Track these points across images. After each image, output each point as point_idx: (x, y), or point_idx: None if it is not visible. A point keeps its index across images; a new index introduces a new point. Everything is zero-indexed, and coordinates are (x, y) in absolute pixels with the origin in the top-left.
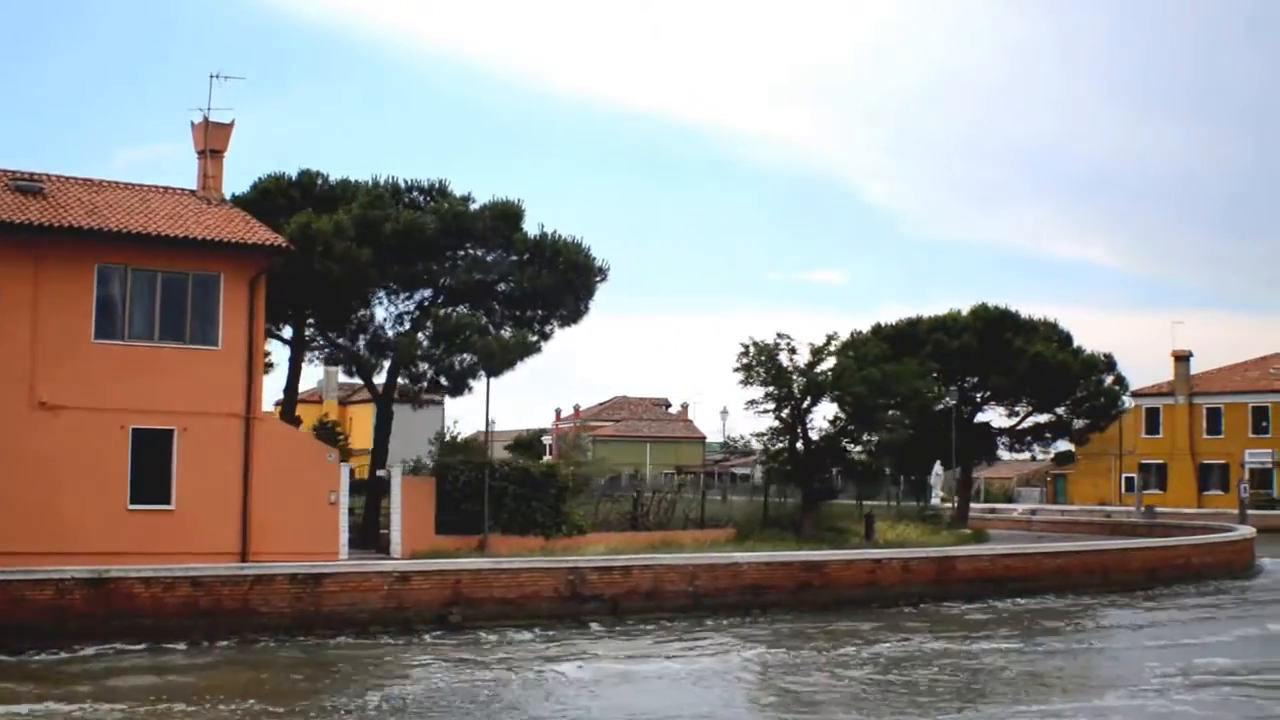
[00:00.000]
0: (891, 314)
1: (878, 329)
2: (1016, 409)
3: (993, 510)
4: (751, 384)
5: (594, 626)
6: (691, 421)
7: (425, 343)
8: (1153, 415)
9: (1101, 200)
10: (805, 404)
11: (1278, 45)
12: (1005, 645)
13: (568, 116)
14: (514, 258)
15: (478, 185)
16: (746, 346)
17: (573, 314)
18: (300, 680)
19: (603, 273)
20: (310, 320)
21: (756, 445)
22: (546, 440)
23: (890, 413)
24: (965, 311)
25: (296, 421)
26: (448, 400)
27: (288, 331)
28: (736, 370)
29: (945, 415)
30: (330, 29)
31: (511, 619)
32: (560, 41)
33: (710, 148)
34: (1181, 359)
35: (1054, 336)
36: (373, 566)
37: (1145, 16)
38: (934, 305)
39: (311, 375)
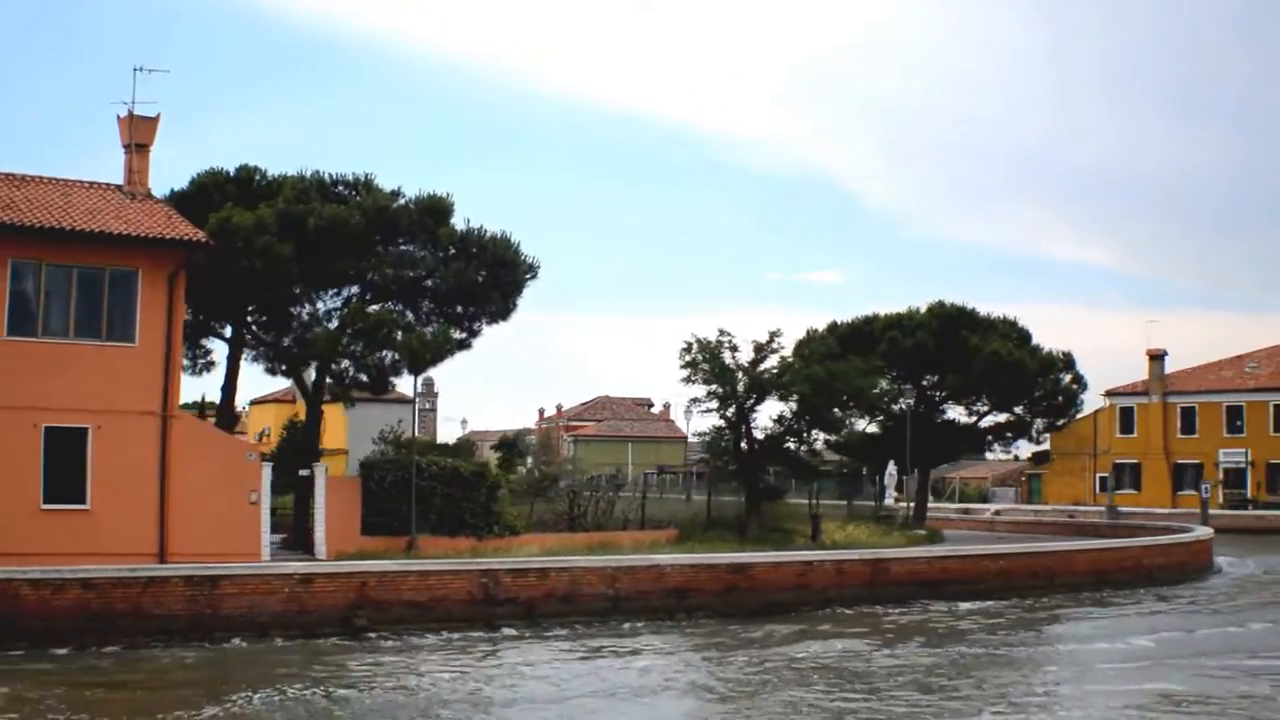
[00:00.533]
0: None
1: (834, 327)
2: (976, 408)
3: (967, 510)
4: (694, 382)
5: (505, 631)
6: (673, 421)
7: (346, 340)
8: (1127, 414)
9: (1100, 201)
10: (749, 402)
11: (1267, 45)
12: (913, 652)
13: (563, 118)
14: (441, 253)
15: (472, 188)
16: (689, 344)
17: (501, 311)
18: (146, 689)
19: (532, 269)
20: (250, 318)
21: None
22: (530, 440)
23: (839, 411)
24: (923, 309)
25: (234, 419)
26: (431, 399)
27: (229, 329)
28: (682, 368)
29: (908, 415)
30: (326, 31)
31: (421, 622)
32: (557, 43)
33: (708, 150)
34: (1156, 358)
35: (1012, 334)
36: (276, 569)
37: (1136, 18)
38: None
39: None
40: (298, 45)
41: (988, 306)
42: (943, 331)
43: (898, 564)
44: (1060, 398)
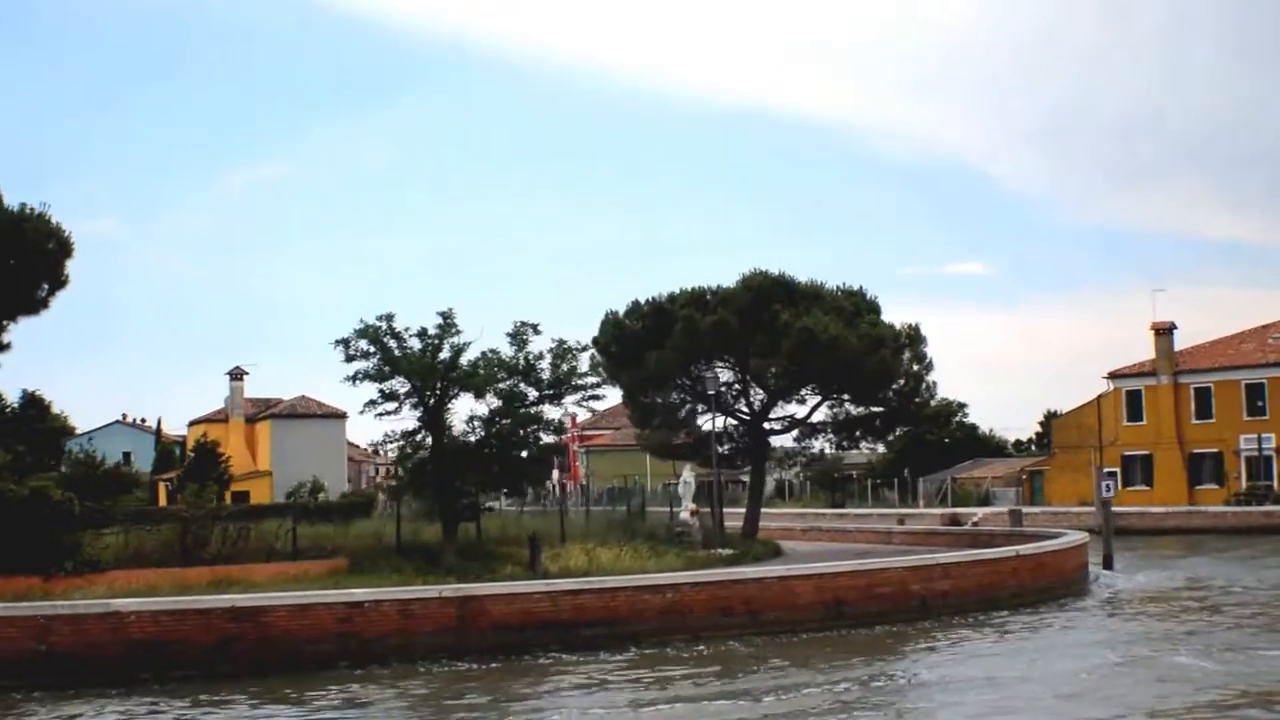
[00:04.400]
0: (1036, 304)
1: (635, 307)
2: (808, 398)
3: (955, 518)
4: (360, 381)
5: None
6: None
7: None
8: (1134, 399)
9: (1258, 178)
10: (436, 401)
11: None
12: None
13: (689, 116)
14: None
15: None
16: (352, 334)
17: (28, 302)
18: None
19: (65, 246)
20: None
21: (380, 452)
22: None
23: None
24: (737, 282)
25: None
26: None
27: None
28: (344, 362)
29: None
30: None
31: None
32: (684, 42)
33: (837, 142)
34: (1162, 332)
35: (851, 307)
36: None
37: None
38: (1082, 294)
39: (218, 393)
40: (415, 54)
41: (1130, 288)
42: (754, 307)
43: (501, 603)
44: (905, 381)
